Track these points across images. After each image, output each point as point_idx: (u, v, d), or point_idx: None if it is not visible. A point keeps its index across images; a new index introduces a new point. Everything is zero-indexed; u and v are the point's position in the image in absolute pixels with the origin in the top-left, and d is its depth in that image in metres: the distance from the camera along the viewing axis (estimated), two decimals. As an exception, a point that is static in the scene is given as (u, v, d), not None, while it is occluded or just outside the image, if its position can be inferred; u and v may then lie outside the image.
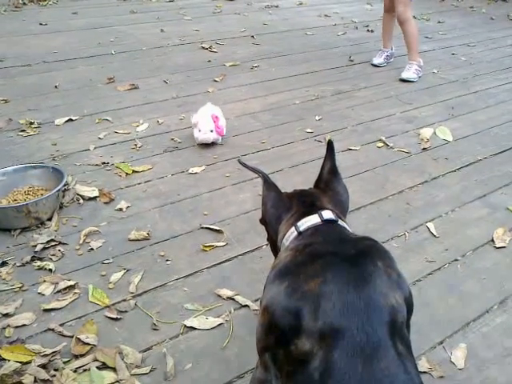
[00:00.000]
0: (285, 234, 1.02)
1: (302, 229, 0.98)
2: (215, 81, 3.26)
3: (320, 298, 0.78)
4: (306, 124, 2.68)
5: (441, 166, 2.30)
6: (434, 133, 2.61)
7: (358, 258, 0.85)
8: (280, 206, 1.08)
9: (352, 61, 3.73)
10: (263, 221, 1.14)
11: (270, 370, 0.85)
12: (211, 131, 2.31)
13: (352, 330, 0.74)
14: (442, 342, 1.37)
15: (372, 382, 0.71)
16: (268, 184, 1.08)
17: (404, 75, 3.33)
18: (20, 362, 1.21)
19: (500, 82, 3.40)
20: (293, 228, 1.00)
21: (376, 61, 3.63)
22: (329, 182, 1.12)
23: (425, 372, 1.26)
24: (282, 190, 2.04)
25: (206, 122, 2.31)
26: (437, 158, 2.37)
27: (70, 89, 3.05)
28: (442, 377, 1.26)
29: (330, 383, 0.71)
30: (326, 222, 0.98)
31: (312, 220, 0.98)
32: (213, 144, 2.40)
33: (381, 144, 2.49)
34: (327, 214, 0.99)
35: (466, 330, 1.42)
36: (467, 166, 2.32)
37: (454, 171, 2.27)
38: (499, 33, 4.64)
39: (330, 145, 1.10)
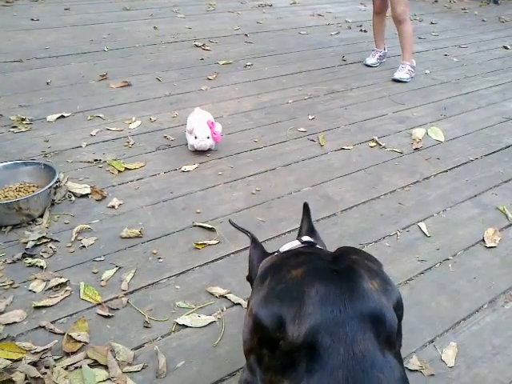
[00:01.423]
0: None
1: (282, 251, 1.03)
2: (208, 79, 3.25)
3: (304, 294, 0.78)
4: (299, 123, 2.69)
5: (432, 166, 2.32)
6: (426, 133, 2.63)
7: (339, 259, 0.88)
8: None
9: (345, 61, 3.74)
10: (249, 278, 1.17)
11: (256, 372, 0.84)
12: (208, 138, 2.27)
13: (338, 333, 0.73)
14: (432, 341, 1.38)
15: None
16: (255, 243, 1.12)
17: (397, 75, 3.35)
18: (10, 360, 1.20)
19: (490, 83, 3.43)
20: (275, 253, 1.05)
21: (369, 61, 3.65)
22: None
23: (415, 370, 1.27)
24: (275, 190, 2.05)
25: (202, 128, 2.25)
26: (429, 158, 2.38)
27: (62, 85, 3.03)
28: (432, 375, 1.27)
29: None
30: (306, 244, 1.04)
31: (292, 244, 1.05)
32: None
33: (373, 144, 2.50)
34: (306, 238, 1.07)
35: (456, 328, 1.43)
36: (459, 166, 2.33)
37: (446, 171, 2.28)
38: (490, 35, 4.68)
39: (305, 207, 1.17)
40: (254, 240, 1.12)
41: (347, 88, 3.22)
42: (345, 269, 0.83)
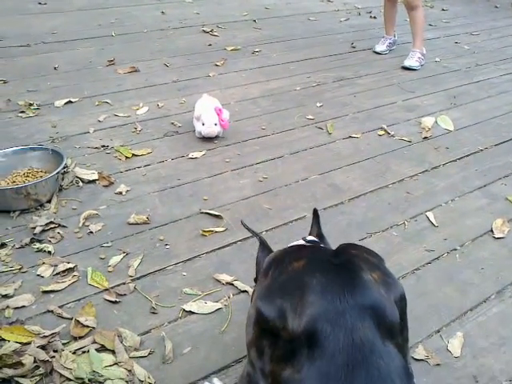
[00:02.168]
0: None
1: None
2: (216, 65, 3.23)
3: (305, 284, 0.80)
4: (307, 111, 2.67)
5: (441, 156, 2.30)
6: (436, 122, 2.61)
7: (340, 253, 0.90)
8: None
9: (354, 47, 3.70)
10: (256, 279, 1.17)
11: (256, 366, 0.84)
12: (215, 124, 2.25)
13: (338, 321, 0.75)
14: (439, 331, 1.38)
15: (359, 378, 0.71)
16: (264, 246, 1.12)
17: (406, 63, 3.31)
18: (20, 343, 1.21)
19: (502, 72, 3.38)
20: None
21: (378, 48, 3.60)
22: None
23: (421, 360, 1.28)
24: (282, 177, 2.04)
25: (209, 115, 2.24)
26: (438, 148, 2.36)
27: (69, 70, 3.02)
28: (438, 364, 1.27)
29: (315, 377, 0.72)
30: (310, 242, 1.07)
31: (297, 243, 1.07)
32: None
33: (382, 132, 2.48)
34: (310, 237, 1.10)
35: (463, 319, 1.43)
36: (468, 155, 2.31)
37: (455, 161, 2.26)
38: (503, 22, 4.61)
39: (315, 213, 1.19)
40: (262, 243, 1.13)
41: (356, 75, 3.19)
42: (345, 261, 0.86)
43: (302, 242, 1.08)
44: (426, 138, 2.45)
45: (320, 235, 1.18)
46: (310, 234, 1.21)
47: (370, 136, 2.45)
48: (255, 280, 1.19)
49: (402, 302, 0.85)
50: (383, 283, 0.83)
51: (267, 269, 0.93)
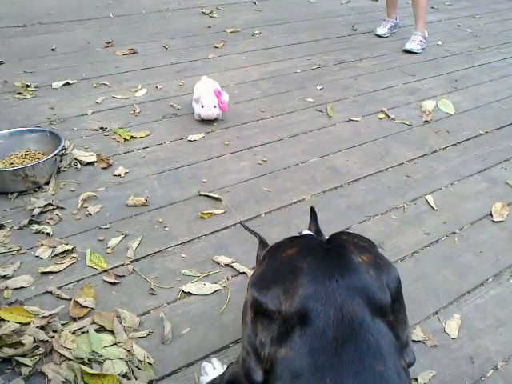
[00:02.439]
0: None
1: None
2: (215, 47, 3.20)
3: (297, 268, 0.83)
4: (307, 93, 2.65)
5: (442, 139, 2.28)
6: (436, 105, 2.59)
7: (331, 240, 0.95)
8: None
9: (355, 30, 3.66)
10: None
11: (251, 351, 0.85)
12: (214, 107, 2.23)
13: (329, 299, 0.77)
14: (436, 313, 1.38)
15: (351, 358, 0.72)
16: (263, 244, 1.14)
17: (408, 46, 3.27)
18: (19, 323, 1.22)
19: (504, 55, 3.35)
20: None
21: (380, 31, 3.56)
22: None
23: (419, 341, 1.28)
24: (281, 160, 2.04)
25: (208, 97, 2.21)
26: (438, 131, 2.35)
27: (67, 52, 2.99)
28: (435, 346, 1.28)
29: (306, 353, 0.74)
30: (304, 235, 1.08)
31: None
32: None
33: (382, 115, 2.46)
34: (305, 231, 1.12)
35: (460, 301, 1.43)
36: (468, 139, 2.30)
37: (455, 145, 2.25)
38: (506, 4, 4.55)
39: (312, 211, 1.19)
40: (261, 241, 1.15)
41: (357, 58, 3.16)
42: (336, 246, 0.90)
43: (296, 235, 1.09)
44: (426, 121, 2.43)
45: (318, 232, 1.18)
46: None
47: (370, 119, 2.43)
48: None
49: (395, 283, 0.87)
50: (373, 265, 0.86)
51: (263, 259, 0.98)
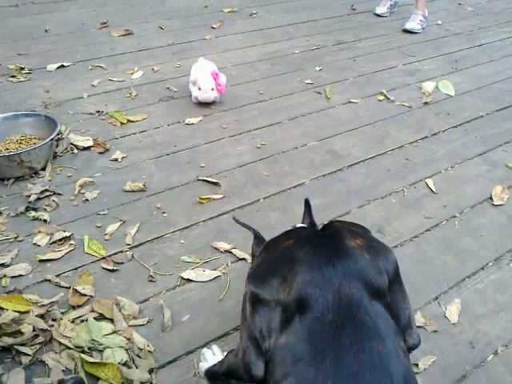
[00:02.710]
0: None
1: None
2: (212, 27, 3.14)
3: (294, 257, 0.85)
4: (306, 75, 2.61)
5: (442, 122, 2.26)
6: (436, 87, 2.56)
7: (325, 228, 0.97)
8: None
9: (354, 10, 3.60)
10: None
11: (251, 344, 0.85)
12: (212, 89, 2.20)
13: (326, 284, 0.79)
14: (437, 298, 1.38)
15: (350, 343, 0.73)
16: (258, 239, 1.14)
17: (408, 26, 3.22)
18: (18, 312, 1.21)
19: (506, 34, 3.30)
20: None
21: (379, 10, 3.51)
22: None
23: (419, 326, 1.28)
24: (280, 144, 2.01)
25: (206, 79, 2.18)
26: (438, 113, 2.32)
27: (61, 33, 2.93)
28: (435, 331, 1.28)
29: (305, 336, 0.75)
30: (298, 228, 1.09)
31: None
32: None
33: (382, 97, 2.43)
34: (299, 224, 1.13)
35: (460, 286, 1.43)
36: (469, 121, 2.27)
37: (455, 127, 2.23)
38: (507, -18, 4.47)
39: (307, 203, 1.18)
40: (256, 236, 1.15)
41: (356, 39, 3.11)
42: (330, 233, 0.92)
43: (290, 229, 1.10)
44: (426, 103, 2.40)
45: (312, 224, 1.17)
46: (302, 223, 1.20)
47: (369, 101, 2.40)
48: None
49: (392, 265, 0.88)
50: (368, 248, 0.87)
51: (260, 254, 1.00)
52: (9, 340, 1.14)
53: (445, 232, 1.62)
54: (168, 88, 2.40)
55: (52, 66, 2.53)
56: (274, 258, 0.91)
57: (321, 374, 0.71)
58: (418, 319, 1.30)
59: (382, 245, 0.92)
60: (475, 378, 1.18)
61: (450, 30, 3.33)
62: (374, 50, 2.97)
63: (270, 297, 0.82)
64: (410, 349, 0.86)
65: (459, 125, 2.25)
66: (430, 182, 1.85)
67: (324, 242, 0.88)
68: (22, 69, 2.48)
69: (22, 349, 1.13)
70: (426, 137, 2.14)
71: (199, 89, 2.19)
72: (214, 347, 1.17)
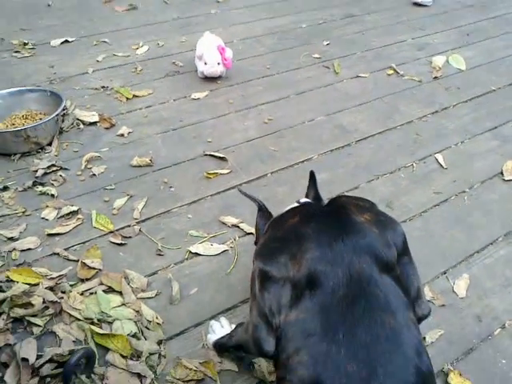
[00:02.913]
0: None
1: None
2: (218, 1, 3.09)
3: (302, 234, 0.84)
4: (313, 49, 2.56)
5: (452, 96, 2.22)
6: (447, 61, 2.51)
7: (331, 204, 0.96)
8: None
9: (363, -18, 3.51)
10: (256, 243, 1.19)
11: (261, 321, 0.85)
12: (218, 64, 2.17)
13: (336, 260, 0.79)
14: (445, 273, 1.38)
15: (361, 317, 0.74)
16: (262, 211, 1.14)
17: (418, -2, 3.15)
18: (28, 284, 1.22)
19: (519, 7, 3.22)
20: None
21: (389, -18, 3.42)
22: None
23: (427, 301, 1.27)
24: (287, 119, 1.99)
25: (212, 54, 2.15)
26: (448, 88, 2.28)
27: (64, 8, 2.89)
28: (443, 305, 1.28)
29: (317, 312, 0.76)
30: (303, 204, 1.07)
31: (290, 206, 1.07)
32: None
33: (391, 71, 2.39)
34: (304, 199, 1.12)
35: (469, 261, 1.42)
36: (479, 96, 2.24)
37: (466, 102, 2.19)
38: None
39: (312, 176, 1.16)
40: (260, 208, 1.14)
41: (364, 12, 3.05)
42: (336, 209, 0.92)
43: (295, 204, 1.08)
44: (436, 77, 2.36)
45: (317, 197, 1.16)
46: (307, 196, 1.19)
47: (378, 76, 2.36)
48: (255, 243, 1.20)
49: (400, 238, 0.88)
50: (375, 222, 0.87)
51: (265, 232, 1.00)
52: (20, 311, 1.15)
53: (454, 207, 1.61)
54: (174, 63, 2.37)
55: (56, 42, 2.50)
56: (282, 235, 0.90)
57: (334, 345, 0.72)
58: (426, 293, 1.30)
59: (389, 218, 0.92)
60: (482, 351, 1.18)
61: (461, 1, 3.25)
62: (383, 23, 2.91)
63: (278, 274, 0.82)
64: (420, 319, 0.86)
65: (470, 99, 2.21)
66: (439, 157, 1.83)
67: (331, 218, 0.87)
68: (25, 44, 2.45)
69: (33, 320, 1.14)
70: (436, 111, 2.11)
71: (205, 63, 2.16)
72: (222, 319, 1.18)
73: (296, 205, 1.08)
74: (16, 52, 2.38)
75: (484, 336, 1.22)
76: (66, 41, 2.52)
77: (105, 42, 2.54)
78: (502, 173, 1.76)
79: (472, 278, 1.36)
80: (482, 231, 1.52)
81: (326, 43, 2.63)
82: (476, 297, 1.32)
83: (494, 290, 1.34)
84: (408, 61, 2.50)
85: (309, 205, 1.06)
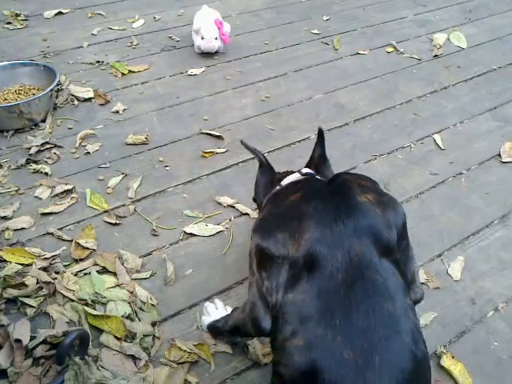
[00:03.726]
0: None
1: (283, 184, 1.05)
2: (216, -27, 3.00)
3: (302, 212, 0.82)
4: (313, 24, 2.51)
5: (452, 75, 2.19)
6: (448, 39, 2.46)
7: (334, 181, 0.92)
8: (270, 185, 1.11)
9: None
10: (255, 199, 1.19)
11: (259, 299, 0.84)
12: (215, 39, 2.12)
13: (336, 241, 0.77)
14: (440, 255, 1.38)
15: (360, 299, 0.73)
16: (263, 168, 1.12)
17: (421, -28, 3.07)
18: (21, 264, 1.21)
19: (524, -18, 3.14)
20: (277, 187, 1.05)
21: (391, -45, 3.33)
22: (318, 166, 1.14)
23: (422, 283, 1.28)
24: (285, 96, 1.95)
25: (209, 28, 2.10)
26: (448, 66, 2.25)
27: (57, -23, 2.81)
28: (437, 288, 1.28)
29: (315, 295, 0.75)
30: (306, 175, 1.05)
31: (292, 177, 1.05)
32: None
33: (391, 49, 2.35)
34: (306, 170, 1.08)
35: (464, 243, 1.42)
36: (480, 75, 2.20)
37: (466, 81, 2.16)
38: None
39: (320, 132, 1.12)
40: (261, 164, 1.12)
41: (366, -14, 2.97)
42: (339, 187, 0.88)
43: (297, 174, 1.06)
44: (436, 55, 2.32)
45: (323, 157, 1.13)
46: (313, 153, 1.16)
47: (378, 53, 2.32)
48: (254, 199, 1.19)
49: (401, 219, 0.86)
50: (378, 203, 0.85)
51: (264, 206, 0.98)
52: (14, 292, 1.14)
53: (451, 189, 1.60)
54: (170, 37, 2.32)
55: (49, 13, 2.44)
56: (281, 212, 0.88)
57: (330, 331, 0.71)
58: (421, 276, 1.30)
59: (391, 198, 0.90)
60: (475, 333, 1.19)
61: (464, -23, 3.17)
62: (385, -2, 2.84)
63: (277, 252, 0.81)
64: (413, 303, 0.86)
65: (470, 79, 2.18)
66: (437, 137, 1.81)
67: (333, 197, 0.85)
68: (17, 15, 2.39)
69: (26, 300, 1.14)
70: (435, 91, 2.08)
71: (202, 38, 2.12)
72: (217, 301, 1.18)
73: (298, 176, 1.05)
74: (8, 23, 2.33)
75: (477, 318, 1.23)
76: (60, 12, 2.46)
77: (100, 14, 2.48)
78: (499, 154, 1.74)
79: (467, 261, 1.36)
80: (478, 213, 1.51)
81: (325, 18, 2.58)
82: (470, 279, 1.32)
83: (488, 273, 1.34)
84: (408, 38, 2.46)
85: (311, 180, 1.02)
